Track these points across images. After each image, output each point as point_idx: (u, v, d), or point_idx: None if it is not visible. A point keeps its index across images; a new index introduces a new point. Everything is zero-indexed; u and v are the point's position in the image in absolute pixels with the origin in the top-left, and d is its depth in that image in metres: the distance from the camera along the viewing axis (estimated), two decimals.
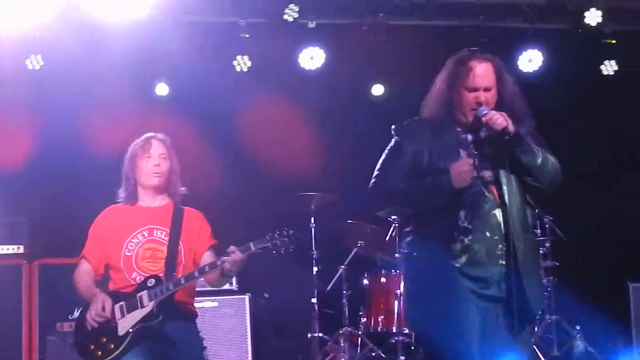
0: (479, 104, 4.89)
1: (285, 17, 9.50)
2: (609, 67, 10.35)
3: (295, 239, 5.49)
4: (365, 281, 9.29)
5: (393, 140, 5.18)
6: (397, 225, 8.91)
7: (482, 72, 4.93)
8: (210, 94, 9.73)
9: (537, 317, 5.14)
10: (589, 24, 9.96)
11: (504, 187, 4.87)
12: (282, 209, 9.35)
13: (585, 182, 10.30)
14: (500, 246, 4.83)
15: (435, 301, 4.80)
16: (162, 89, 9.91)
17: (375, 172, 5.15)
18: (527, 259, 4.86)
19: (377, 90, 10.46)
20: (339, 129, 10.25)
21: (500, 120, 4.76)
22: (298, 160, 9.76)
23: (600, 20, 9.95)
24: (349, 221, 9.15)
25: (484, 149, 4.92)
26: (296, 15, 9.52)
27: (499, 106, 4.92)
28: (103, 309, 5.50)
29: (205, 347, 6.90)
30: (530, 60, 10.14)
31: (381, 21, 9.98)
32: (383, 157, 5.17)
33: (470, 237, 4.82)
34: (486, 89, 4.92)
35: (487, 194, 4.87)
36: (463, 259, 4.81)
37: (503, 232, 4.85)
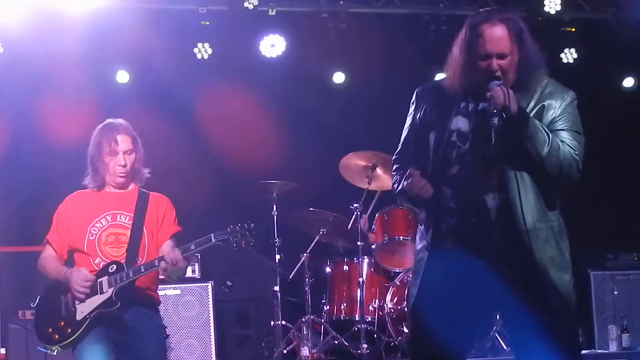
0: (491, 72, 4.48)
1: (246, 4, 9.49)
2: (568, 55, 10.39)
3: (256, 232, 5.49)
4: (328, 269, 9.30)
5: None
6: (358, 212, 8.93)
7: (494, 37, 4.47)
8: (171, 82, 9.67)
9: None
10: (548, 12, 10.02)
11: (510, 170, 4.46)
12: (243, 197, 9.36)
13: None
14: (493, 236, 4.50)
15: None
16: (122, 77, 9.85)
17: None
18: (542, 253, 4.48)
19: (338, 78, 10.45)
20: (300, 117, 10.23)
21: (500, 97, 4.36)
22: (259, 148, 9.76)
23: (559, 8, 10.02)
24: (311, 209, 9.14)
25: (488, 121, 4.54)
26: (256, 3, 9.52)
27: (518, 75, 4.55)
28: (85, 276, 5.50)
29: (168, 335, 6.92)
30: None
31: (341, 9, 10.00)
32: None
33: (455, 220, 4.57)
34: (500, 56, 4.49)
35: (481, 174, 4.52)
36: (449, 243, 4.58)
37: (493, 220, 4.51)
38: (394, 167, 4.91)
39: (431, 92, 4.80)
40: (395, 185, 4.81)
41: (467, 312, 4.57)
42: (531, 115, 4.53)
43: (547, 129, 4.50)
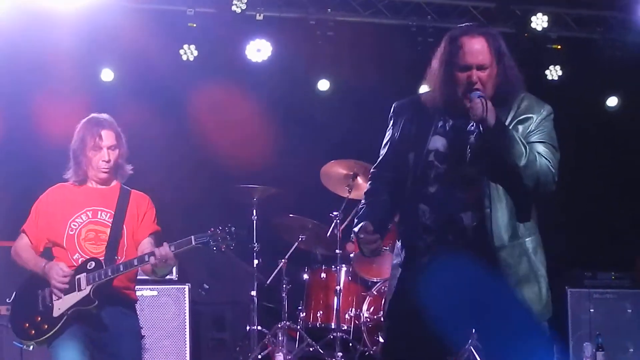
0: (471, 84, 4.48)
1: (234, 8, 9.49)
2: (553, 73, 10.43)
3: (237, 235, 5.46)
4: (305, 276, 9.29)
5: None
6: (338, 221, 8.92)
7: (474, 48, 4.48)
8: (156, 82, 9.66)
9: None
10: (535, 29, 10.08)
11: (485, 188, 4.47)
12: (224, 200, 9.33)
13: None
14: (468, 253, 4.49)
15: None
16: (107, 75, 9.82)
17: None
18: (515, 269, 4.49)
19: (323, 85, 10.44)
20: (284, 122, 10.22)
21: (479, 109, 4.35)
22: (242, 151, 9.71)
23: (546, 25, 10.08)
24: (291, 215, 9.13)
25: (465, 140, 4.54)
26: (244, 7, 9.52)
27: (496, 89, 4.55)
28: (64, 271, 5.46)
29: (144, 336, 6.89)
30: None
31: (328, 16, 10.02)
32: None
33: (432, 238, 4.57)
34: (480, 67, 4.49)
35: (458, 192, 4.54)
36: (425, 259, 4.58)
37: (469, 237, 4.52)
38: (369, 184, 4.93)
39: (409, 108, 4.80)
40: (361, 209, 4.83)
41: (440, 328, 4.54)
42: None
43: (524, 141, 4.50)
